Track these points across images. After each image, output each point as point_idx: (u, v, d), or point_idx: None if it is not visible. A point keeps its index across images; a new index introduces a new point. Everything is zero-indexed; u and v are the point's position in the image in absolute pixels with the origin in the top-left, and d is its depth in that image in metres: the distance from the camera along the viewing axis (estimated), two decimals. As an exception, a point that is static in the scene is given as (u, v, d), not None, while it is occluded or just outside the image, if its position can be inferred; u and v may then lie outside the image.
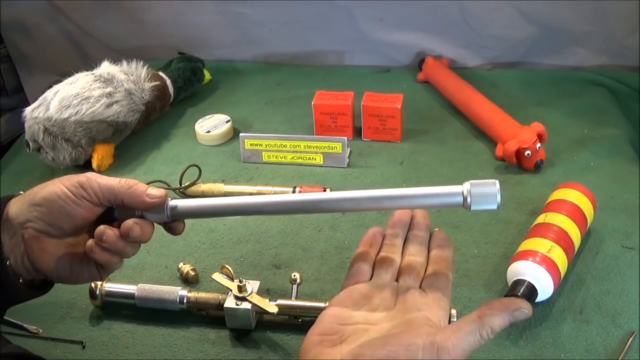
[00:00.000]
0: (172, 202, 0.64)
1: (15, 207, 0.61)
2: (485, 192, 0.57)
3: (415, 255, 0.66)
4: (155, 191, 0.64)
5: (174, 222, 0.66)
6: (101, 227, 0.62)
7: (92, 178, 0.62)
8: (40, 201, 0.60)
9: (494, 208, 0.57)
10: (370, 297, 0.61)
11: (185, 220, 0.95)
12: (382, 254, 0.67)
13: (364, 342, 0.55)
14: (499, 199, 0.57)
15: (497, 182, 0.57)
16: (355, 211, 0.60)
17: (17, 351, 0.65)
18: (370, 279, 0.65)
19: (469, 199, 0.57)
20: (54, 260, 0.62)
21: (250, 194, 1.00)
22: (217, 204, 0.64)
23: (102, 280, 0.78)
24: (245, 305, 0.75)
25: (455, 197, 0.58)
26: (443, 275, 0.62)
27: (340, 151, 1.05)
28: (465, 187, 0.57)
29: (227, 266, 0.77)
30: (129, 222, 0.63)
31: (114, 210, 0.64)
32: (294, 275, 0.83)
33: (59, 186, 0.61)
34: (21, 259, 0.61)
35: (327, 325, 0.58)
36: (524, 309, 0.54)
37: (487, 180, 0.57)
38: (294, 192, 0.98)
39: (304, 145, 1.07)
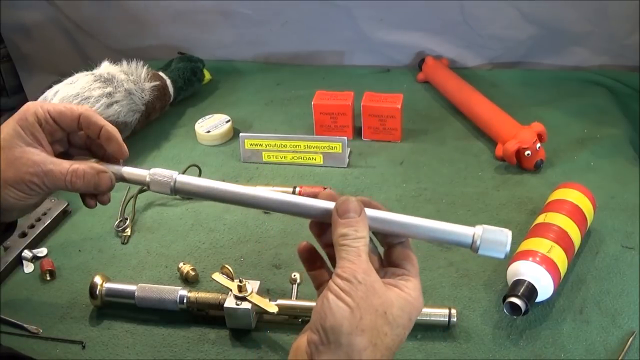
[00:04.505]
0: (180, 177, 0.63)
1: None
2: (496, 240, 0.56)
3: None
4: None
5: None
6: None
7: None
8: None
9: (500, 257, 0.57)
10: None
11: (185, 220, 0.96)
12: None
13: None
14: (507, 249, 0.56)
15: (509, 232, 0.57)
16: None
17: (7, 352, 0.64)
18: None
19: (478, 243, 0.56)
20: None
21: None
22: (220, 188, 0.62)
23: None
24: (245, 305, 0.75)
25: (465, 238, 0.57)
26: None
27: (340, 151, 1.05)
28: (477, 231, 0.56)
29: (227, 266, 0.77)
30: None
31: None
32: (294, 275, 0.83)
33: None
34: None
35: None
36: None
37: (500, 229, 0.57)
38: (293, 192, 0.98)
39: (304, 145, 1.07)
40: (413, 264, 0.58)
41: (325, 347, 0.51)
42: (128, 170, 0.65)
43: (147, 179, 0.63)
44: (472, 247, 0.57)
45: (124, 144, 0.67)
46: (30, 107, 0.63)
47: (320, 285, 0.63)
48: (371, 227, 0.57)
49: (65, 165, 0.63)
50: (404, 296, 0.54)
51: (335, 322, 0.50)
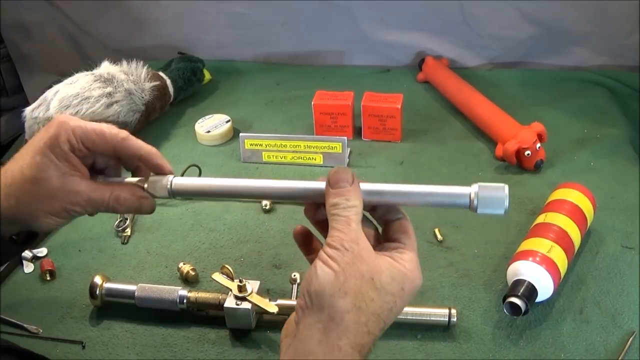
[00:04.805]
0: (176, 180, 0.63)
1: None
2: (493, 195, 0.55)
3: None
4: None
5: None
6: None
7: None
8: None
9: (500, 213, 0.56)
10: None
11: (185, 220, 0.96)
12: None
13: None
14: (506, 204, 0.55)
15: (506, 186, 0.56)
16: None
17: (6, 344, 0.64)
18: None
19: (475, 202, 0.56)
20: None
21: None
22: (217, 185, 0.63)
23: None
24: (245, 305, 0.75)
25: (461, 198, 0.56)
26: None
27: (340, 151, 1.05)
28: (473, 189, 0.56)
29: (227, 266, 0.77)
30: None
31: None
32: (294, 275, 0.83)
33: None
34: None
35: None
36: None
37: (496, 184, 0.56)
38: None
39: (304, 145, 1.07)
40: (410, 238, 0.58)
41: (310, 310, 0.52)
42: (127, 181, 0.65)
43: (146, 186, 0.64)
44: (471, 206, 0.56)
45: (166, 162, 0.65)
46: (61, 134, 0.60)
47: None
48: (366, 201, 0.57)
49: (106, 193, 0.62)
50: (397, 266, 0.54)
51: (319, 286, 0.52)
